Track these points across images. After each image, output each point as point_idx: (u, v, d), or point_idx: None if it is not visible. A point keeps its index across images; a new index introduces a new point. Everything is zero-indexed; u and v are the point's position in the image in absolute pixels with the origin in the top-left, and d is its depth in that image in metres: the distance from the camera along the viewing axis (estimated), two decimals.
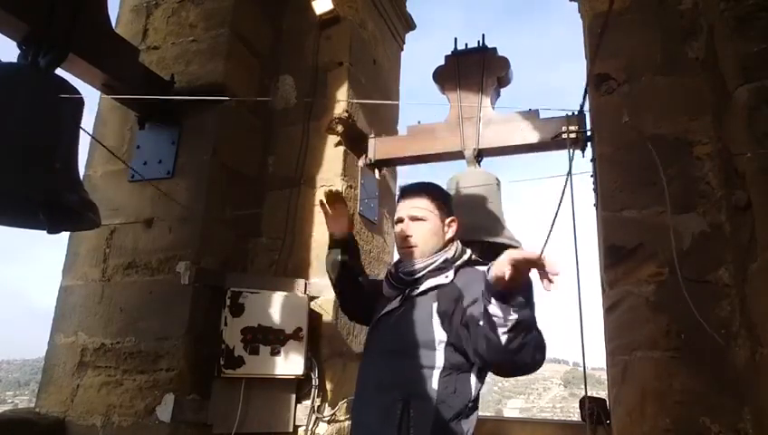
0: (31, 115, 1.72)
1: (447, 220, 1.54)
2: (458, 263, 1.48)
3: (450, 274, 1.44)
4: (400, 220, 1.55)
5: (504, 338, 1.11)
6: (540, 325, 1.18)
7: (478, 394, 1.40)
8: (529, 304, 1.12)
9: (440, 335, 1.35)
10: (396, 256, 1.70)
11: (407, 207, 1.54)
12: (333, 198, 1.69)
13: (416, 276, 1.48)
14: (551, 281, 1.01)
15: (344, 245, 1.68)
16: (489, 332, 1.13)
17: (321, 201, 1.70)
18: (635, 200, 2.19)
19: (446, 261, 1.47)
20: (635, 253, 2.15)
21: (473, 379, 1.36)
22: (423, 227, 1.51)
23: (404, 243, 1.52)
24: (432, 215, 1.52)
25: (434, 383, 1.31)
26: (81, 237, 2.52)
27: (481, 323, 1.16)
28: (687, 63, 2.33)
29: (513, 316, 1.09)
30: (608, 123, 2.36)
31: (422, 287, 1.45)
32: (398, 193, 1.61)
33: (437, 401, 1.29)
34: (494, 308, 1.11)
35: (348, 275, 1.69)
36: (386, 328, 1.49)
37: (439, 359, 1.33)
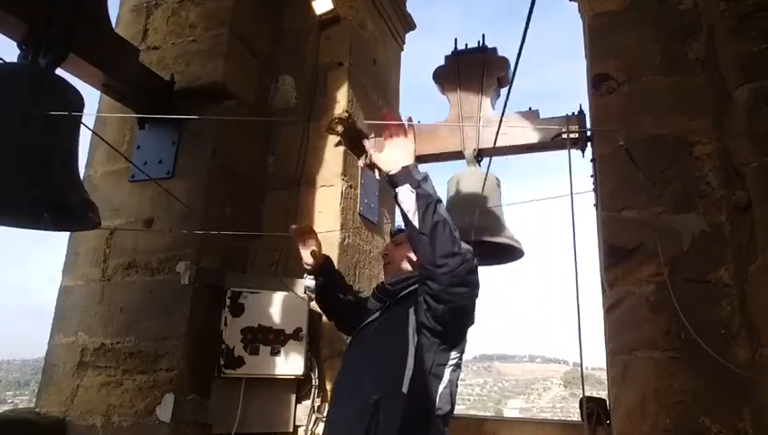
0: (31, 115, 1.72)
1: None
2: None
3: None
4: (385, 247, 1.86)
5: (416, 220, 1.33)
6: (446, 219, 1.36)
7: (451, 408, 1.49)
8: (422, 185, 1.35)
9: (413, 328, 1.46)
10: None
11: (390, 240, 1.85)
12: (304, 230, 1.89)
13: (399, 286, 1.63)
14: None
15: (321, 273, 1.87)
16: (408, 229, 1.37)
17: (293, 229, 1.89)
18: (635, 200, 2.19)
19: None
20: (635, 253, 2.15)
21: (441, 385, 1.46)
22: (399, 250, 1.75)
23: (384, 259, 1.80)
24: (406, 244, 1.70)
25: (404, 387, 1.39)
26: (81, 237, 2.52)
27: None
28: (687, 63, 2.33)
29: (413, 193, 1.33)
30: (608, 123, 2.36)
31: (400, 296, 1.60)
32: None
33: (406, 404, 1.38)
34: (401, 193, 1.35)
35: (330, 297, 1.91)
36: (365, 337, 1.62)
37: (410, 361, 1.42)
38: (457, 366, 1.51)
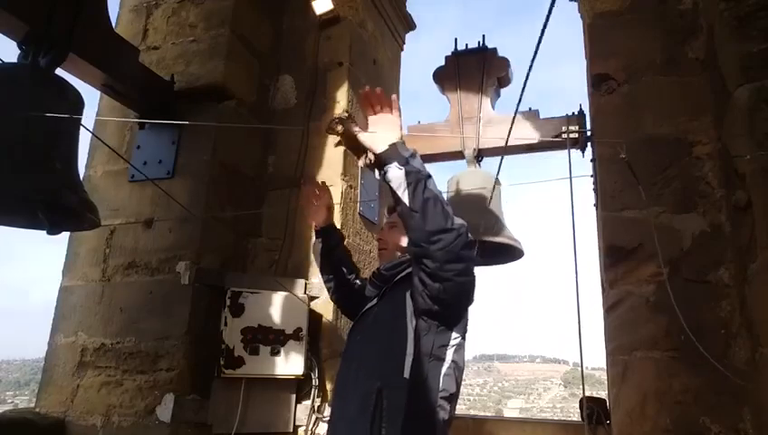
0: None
1: None
2: None
3: None
4: (379, 232, 1.82)
5: (406, 197, 1.28)
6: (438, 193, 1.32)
7: (457, 389, 1.44)
8: (410, 162, 1.30)
9: (411, 312, 1.42)
10: None
11: (385, 223, 1.78)
12: (320, 188, 1.88)
13: (395, 271, 1.59)
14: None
15: (325, 234, 1.84)
16: (399, 207, 1.31)
17: (302, 188, 1.91)
18: (635, 200, 2.19)
19: None
20: (635, 253, 2.15)
21: (445, 366, 1.41)
22: (394, 234, 1.68)
23: (379, 244, 1.74)
24: (401, 227, 1.62)
25: (405, 372, 1.35)
26: (81, 237, 2.52)
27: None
28: (687, 63, 2.33)
29: (401, 170, 1.29)
30: (608, 123, 2.36)
31: (396, 280, 1.57)
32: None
33: (409, 390, 1.34)
34: (390, 171, 1.30)
35: (332, 264, 1.84)
36: (364, 326, 1.58)
37: (410, 346, 1.37)
38: (460, 346, 1.45)
